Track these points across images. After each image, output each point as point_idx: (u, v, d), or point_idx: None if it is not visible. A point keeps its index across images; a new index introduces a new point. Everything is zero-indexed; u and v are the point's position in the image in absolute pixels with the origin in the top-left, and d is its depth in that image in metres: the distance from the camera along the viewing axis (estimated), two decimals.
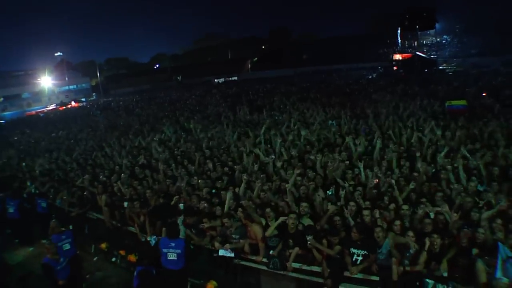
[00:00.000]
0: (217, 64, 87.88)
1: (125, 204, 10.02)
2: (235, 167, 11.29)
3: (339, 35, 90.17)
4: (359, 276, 6.87)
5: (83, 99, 65.32)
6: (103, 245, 10.38)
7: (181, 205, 9.31)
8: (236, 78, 71.70)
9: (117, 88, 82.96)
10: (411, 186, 8.41)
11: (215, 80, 70.07)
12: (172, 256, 7.45)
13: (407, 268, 6.54)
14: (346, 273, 6.92)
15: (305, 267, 7.25)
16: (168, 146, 15.78)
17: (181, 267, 7.52)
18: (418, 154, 10.42)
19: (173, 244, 7.49)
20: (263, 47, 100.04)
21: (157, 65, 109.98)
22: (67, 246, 8.58)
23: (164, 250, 7.52)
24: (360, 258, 6.94)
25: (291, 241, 7.43)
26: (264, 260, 7.56)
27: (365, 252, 6.93)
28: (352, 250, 7.00)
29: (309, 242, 7.06)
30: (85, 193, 11.81)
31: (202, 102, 34.16)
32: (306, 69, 65.22)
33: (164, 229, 8.08)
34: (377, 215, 7.58)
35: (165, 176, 11.50)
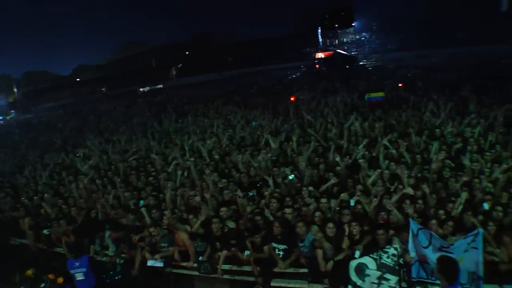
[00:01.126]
0: (141, 73, 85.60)
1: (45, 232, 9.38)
2: (159, 176, 11.07)
3: (263, 37, 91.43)
4: (290, 270, 7.08)
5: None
6: (29, 272, 9.50)
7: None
8: (161, 86, 70.29)
9: (37, 104, 77.85)
10: (332, 180, 8.64)
11: (141, 89, 68.14)
12: (79, 276, 7.09)
13: (335, 259, 6.74)
14: (276, 269, 7.08)
15: (235, 267, 7.41)
16: (93, 160, 14.94)
17: (93, 285, 7.15)
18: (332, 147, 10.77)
19: (77, 264, 7.12)
20: (186, 52, 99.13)
21: (79, 78, 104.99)
22: None
23: (72, 272, 7.14)
24: (281, 252, 7.10)
25: (218, 244, 7.51)
26: (195, 265, 7.61)
27: (286, 246, 7.10)
28: (274, 244, 7.16)
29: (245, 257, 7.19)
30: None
31: (127, 113, 33.15)
32: (232, 72, 65.53)
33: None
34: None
35: (91, 191, 10.97)
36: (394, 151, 10.46)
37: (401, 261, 6.13)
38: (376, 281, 6.09)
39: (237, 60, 76.27)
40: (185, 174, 10.69)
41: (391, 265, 6.08)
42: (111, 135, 20.25)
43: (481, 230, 6.09)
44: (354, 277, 6.22)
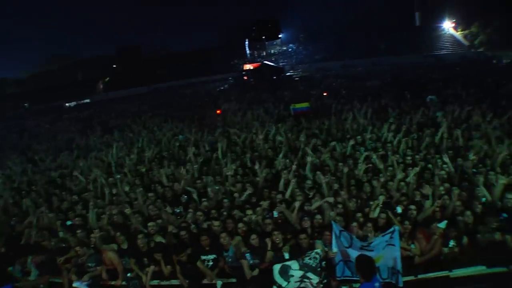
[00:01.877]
0: (67, 87, 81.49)
1: None
2: (85, 194, 10.69)
3: (192, 49, 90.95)
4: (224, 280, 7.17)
5: None
6: None
7: None
8: (88, 100, 67.42)
9: None
10: (249, 191, 8.87)
11: (66, 104, 64.82)
12: None
13: (261, 267, 6.93)
14: (205, 281, 7.14)
15: (164, 282, 7.36)
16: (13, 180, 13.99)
17: None
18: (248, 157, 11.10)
19: None
20: (114, 66, 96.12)
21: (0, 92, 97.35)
22: None
23: None
24: (211, 263, 7.19)
25: (145, 259, 7.42)
26: (124, 283, 7.45)
27: (214, 256, 7.22)
28: (203, 257, 7.21)
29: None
30: None
31: (51, 129, 31.47)
32: (161, 85, 64.52)
33: None
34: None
35: (12, 215, 10.37)
36: (317, 160, 10.80)
37: (323, 264, 6.42)
38: (299, 279, 6.34)
39: (166, 73, 75.21)
40: (112, 191, 10.43)
41: (313, 265, 6.37)
42: (34, 154, 19.07)
43: (397, 227, 6.64)
44: (278, 279, 6.42)
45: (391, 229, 6.62)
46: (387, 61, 50.58)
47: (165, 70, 77.77)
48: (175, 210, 9.10)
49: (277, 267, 6.49)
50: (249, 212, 8.12)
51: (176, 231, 7.86)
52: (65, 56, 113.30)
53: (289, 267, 6.45)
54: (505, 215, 7.29)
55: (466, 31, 60.94)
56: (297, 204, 7.86)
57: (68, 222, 9.33)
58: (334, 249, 6.59)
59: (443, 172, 9.27)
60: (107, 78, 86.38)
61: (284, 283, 6.39)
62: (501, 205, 7.63)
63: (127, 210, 8.62)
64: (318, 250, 6.52)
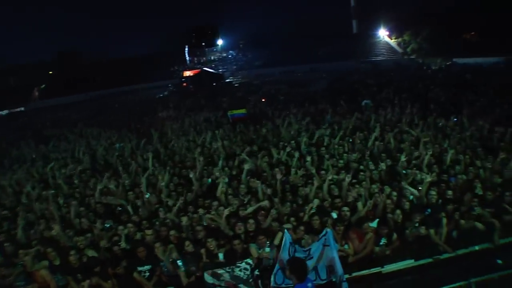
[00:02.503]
0: None
1: None
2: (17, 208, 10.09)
3: (132, 56, 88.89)
4: None
5: None
6: None
7: None
8: (23, 108, 63.74)
9: None
10: (180, 201, 8.75)
11: None
12: None
13: (198, 274, 6.96)
14: None
15: None
16: None
17: None
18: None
19: None
20: (50, 72, 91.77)
21: None
22: None
23: None
24: (147, 273, 7.14)
25: (79, 275, 7.10)
26: None
27: (150, 266, 7.16)
28: (139, 268, 7.12)
29: None
30: None
31: None
32: (100, 93, 62.52)
33: None
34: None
35: None
36: (254, 166, 10.93)
37: (256, 272, 6.55)
38: None
39: (105, 80, 73.02)
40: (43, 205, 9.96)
41: (244, 278, 6.47)
42: None
43: (329, 230, 6.82)
44: (210, 280, 6.51)
45: (324, 232, 6.83)
46: (326, 67, 52.28)
47: (104, 77, 75.52)
48: (105, 225, 8.79)
49: (208, 275, 6.55)
50: (183, 219, 8.09)
51: (109, 245, 7.71)
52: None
53: (220, 275, 6.51)
54: (429, 210, 7.82)
55: (399, 39, 64.50)
56: (225, 211, 7.91)
57: None
58: (283, 255, 6.58)
59: (375, 172, 9.76)
60: (43, 85, 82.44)
61: (216, 282, 6.46)
62: (426, 201, 8.20)
63: (55, 226, 8.24)
64: (249, 260, 6.63)
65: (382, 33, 68.00)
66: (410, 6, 62.51)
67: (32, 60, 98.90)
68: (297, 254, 6.60)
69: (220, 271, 6.54)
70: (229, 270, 6.51)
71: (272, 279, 6.48)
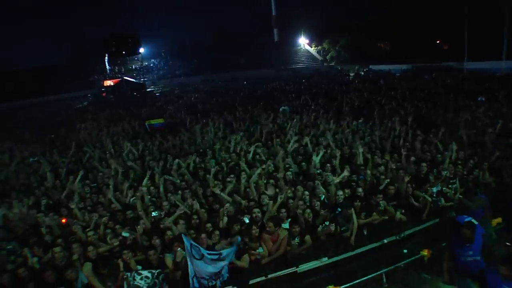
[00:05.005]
0: None
1: None
2: None
3: (45, 65, 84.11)
4: None
5: None
6: None
7: None
8: None
9: None
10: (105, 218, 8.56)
11: None
12: None
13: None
14: None
15: None
16: None
17: None
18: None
19: None
20: None
21: None
22: None
23: None
24: None
25: None
26: None
27: None
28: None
29: None
30: None
31: None
32: (9, 104, 58.59)
33: None
34: None
35: None
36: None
37: (159, 280, 6.55)
38: None
39: (15, 90, 68.52)
40: None
41: (144, 287, 6.42)
42: None
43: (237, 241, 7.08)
44: None
45: (235, 243, 7.12)
46: (247, 75, 53.37)
47: (15, 86, 70.87)
48: (7, 247, 8.14)
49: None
50: (90, 233, 7.82)
51: (12, 267, 7.19)
52: None
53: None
54: (339, 209, 8.19)
55: (319, 47, 67.21)
56: (140, 224, 7.86)
57: None
58: (188, 262, 6.63)
59: (289, 173, 10.09)
60: None
61: None
62: (335, 201, 8.61)
63: None
64: (152, 270, 6.63)
65: (303, 41, 70.55)
66: (329, 16, 65.57)
67: None
68: (205, 255, 6.69)
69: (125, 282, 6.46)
70: (130, 278, 6.42)
71: (190, 283, 6.59)
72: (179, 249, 6.92)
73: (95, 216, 8.56)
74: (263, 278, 7.08)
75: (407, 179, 8.95)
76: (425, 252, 7.65)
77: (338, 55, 61.49)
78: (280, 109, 19.57)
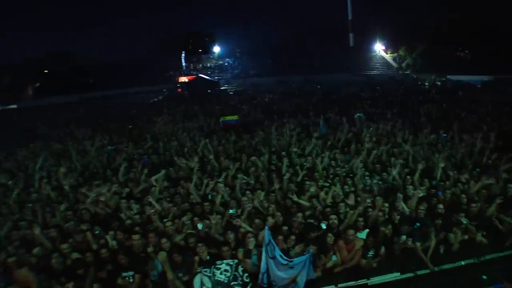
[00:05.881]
0: None
1: None
2: None
3: (127, 59, 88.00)
4: None
5: None
6: None
7: None
8: (15, 106, 63.15)
9: None
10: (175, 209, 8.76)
11: None
12: None
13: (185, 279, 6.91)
14: None
15: None
16: None
17: None
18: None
19: None
20: (45, 71, 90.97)
21: None
22: None
23: None
24: (131, 279, 6.99)
25: (63, 278, 6.94)
26: None
27: (133, 272, 7.00)
28: (124, 273, 7.01)
29: None
30: None
31: None
32: (94, 94, 62.22)
33: None
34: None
35: None
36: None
37: (239, 273, 6.54)
38: None
39: (99, 82, 72.64)
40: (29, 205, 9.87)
41: (225, 281, 6.45)
42: None
43: (311, 250, 6.87)
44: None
45: (307, 253, 6.82)
46: (320, 78, 52.61)
47: (98, 78, 75.14)
48: (95, 232, 8.54)
49: (197, 281, 6.53)
50: (168, 223, 8.02)
51: (96, 248, 7.61)
52: None
53: (202, 282, 6.50)
54: (418, 224, 7.86)
55: (395, 54, 65.19)
56: (216, 218, 7.94)
57: None
58: (263, 257, 6.59)
59: (370, 183, 9.89)
60: (38, 84, 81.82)
61: None
62: (415, 215, 8.26)
63: (35, 228, 8.02)
64: (229, 261, 6.62)
65: (378, 48, 68.72)
66: (406, 22, 63.39)
67: (27, 59, 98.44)
68: (277, 257, 6.60)
69: (202, 277, 6.52)
70: (210, 274, 6.48)
71: (260, 278, 6.58)
72: (251, 238, 6.99)
73: (173, 207, 8.86)
74: (333, 286, 6.96)
75: (498, 201, 8.35)
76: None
77: (414, 63, 59.30)
78: (355, 116, 19.16)
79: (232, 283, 6.45)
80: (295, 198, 8.87)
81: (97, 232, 8.56)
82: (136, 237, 7.54)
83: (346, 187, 9.76)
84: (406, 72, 58.46)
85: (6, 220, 8.82)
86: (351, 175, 10.61)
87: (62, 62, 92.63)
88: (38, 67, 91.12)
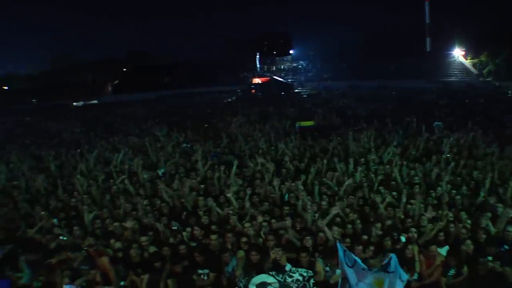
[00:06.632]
0: (75, 86, 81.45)
1: None
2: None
3: (202, 59, 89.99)
4: None
5: None
6: None
7: None
8: (96, 101, 67.66)
9: None
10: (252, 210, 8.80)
11: (74, 103, 64.84)
12: None
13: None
14: None
15: None
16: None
17: None
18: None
19: None
20: (124, 69, 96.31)
21: (7, 87, 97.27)
22: None
23: None
24: (206, 277, 7.08)
25: (140, 270, 7.25)
26: None
27: (208, 270, 7.07)
28: (199, 271, 7.09)
29: None
30: None
31: (57, 128, 31.13)
32: (167, 93, 64.82)
33: None
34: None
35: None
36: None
37: (309, 285, 6.33)
38: None
39: (172, 80, 75.45)
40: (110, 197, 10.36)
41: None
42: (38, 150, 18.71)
43: (392, 254, 6.39)
44: None
45: (388, 257, 6.36)
46: (395, 84, 51.03)
47: (172, 77, 77.94)
48: (173, 227, 8.77)
49: (256, 280, 6.41)
50: (247, 224, 8.05)
51: (174, 241, 7.83)
52: (71, 56, 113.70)
53: (268, 284, 6.34)
54: (506, 247, 7.27)
55: (475, 60, 61.26)
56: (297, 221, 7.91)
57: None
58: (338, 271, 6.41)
59: (458, 198, 9.35)
60: (117, 81, 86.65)
61: None
62: (503, 236, 7.60)
63: (129, 222, 8.51)
64: (303, 271, 6.45)
65: (457, 53, 64.98)
66: (488, 26, 59.40)
67: (107, 58, 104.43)
68: (360, 263, 6.24)
69: (269, 278, 6.37)
70: (281, 279, 6.32)
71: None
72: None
73: (251, 208, 8.88)
74: None
75: None
76: None
77: (498, 69, 55.31)
78: (434, 125, 18.28)
79: None
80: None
81: (175, 227, 8.78)
82: (214, 237, 7.65)
83: (429, 198, 9.26)
84: (487, 79, 54.92)
85: (90, 210, 9.23)
86: (432, 186, 10.09)
87: (139, 61, 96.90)
88: (115, 65, 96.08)
